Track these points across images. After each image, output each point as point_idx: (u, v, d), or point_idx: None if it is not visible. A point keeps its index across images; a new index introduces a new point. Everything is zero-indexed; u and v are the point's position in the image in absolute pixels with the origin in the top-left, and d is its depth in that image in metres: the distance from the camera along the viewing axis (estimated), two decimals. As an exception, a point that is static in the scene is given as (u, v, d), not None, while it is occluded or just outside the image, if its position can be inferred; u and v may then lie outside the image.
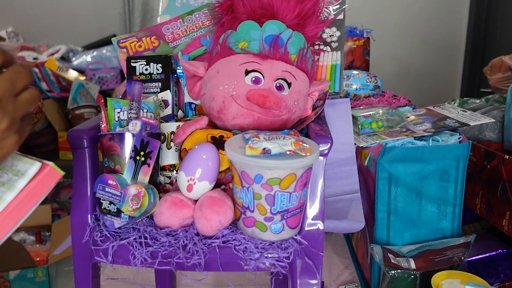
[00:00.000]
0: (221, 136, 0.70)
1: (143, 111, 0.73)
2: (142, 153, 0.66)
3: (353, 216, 0.80)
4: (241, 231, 0.65)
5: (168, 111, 0.81)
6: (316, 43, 0.90)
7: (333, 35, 0.90)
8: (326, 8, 0.89)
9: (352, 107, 0.96)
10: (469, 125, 0.93)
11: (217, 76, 0.73)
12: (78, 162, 0.70)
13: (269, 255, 0.62)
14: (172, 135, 0.76)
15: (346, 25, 1.10)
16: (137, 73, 0.81)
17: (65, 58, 2.38)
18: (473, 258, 1.00)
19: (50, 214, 1.80)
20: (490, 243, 1.12)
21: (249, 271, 0.72)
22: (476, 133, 1.15)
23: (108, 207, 0.65)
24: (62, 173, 0.51)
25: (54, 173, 0.51)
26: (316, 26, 0.79)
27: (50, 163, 0.51)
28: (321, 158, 0.67)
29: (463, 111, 1.02)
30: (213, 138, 0.70)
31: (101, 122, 0.71)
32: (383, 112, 1.01)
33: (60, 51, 2.35)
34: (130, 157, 0.66)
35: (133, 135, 0.66)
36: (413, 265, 0.84)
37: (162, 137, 0.75)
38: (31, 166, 0.50)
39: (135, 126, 0.67)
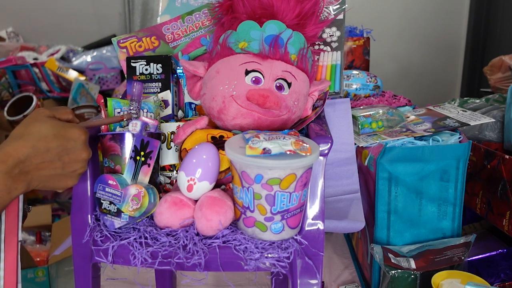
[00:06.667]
0: (221, 136, 0.70)
1: (143, 111, 0.72)
2: (142, 153, 0.66)
3: (353, 216, 0.80)
4: (241, 231, 0.65)
5: (168, 111, 0.81)
6: (316, 43, 0.90)
7: (333, 35, 0.90)
8: (326, 8, 0.88)
9: (352, 107, 0.96)
10: (469, 125, 0.93)
11: (217, 76, 0.73)
12: (78, 162, 0.70)
13: (269, 255, 0.62)
14: (172, 135, 0.76)
15: (346, 25, 1.11)
16: (137, 73, 0.81)
17: (65, 58, 2.38)
18: (473, 258, 1.00)
19: (50, 214, 1.80)
20: (490, 243, 1.12)
21: (249, 271, 0.72)
22: (476, 133, 1.15)
23: (108, 207, 0.65)
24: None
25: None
26: (316, 26, 0.79)
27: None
28: (321, 158, 0.67)
29: (463, 111, 1.02)
30: (213, 138, 0.70)
31: (101, 122, 0.71)
32: (383, 112, 1.01)
33: (60, 51, 2.35)
34: (130, 157, 0.66)
35: (133, 135, 0.66)
36: (413, 265, 0.84)
37: (162, 137, 0.75)
38: None
39: (135, 126, 0.67)
